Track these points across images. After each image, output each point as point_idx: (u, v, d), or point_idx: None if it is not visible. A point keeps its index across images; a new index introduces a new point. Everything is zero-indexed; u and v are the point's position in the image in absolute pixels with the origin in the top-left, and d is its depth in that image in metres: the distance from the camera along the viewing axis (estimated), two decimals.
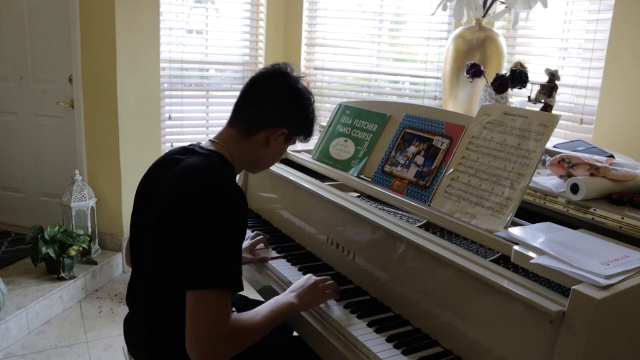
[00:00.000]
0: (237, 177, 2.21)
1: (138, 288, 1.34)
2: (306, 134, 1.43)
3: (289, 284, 1.47)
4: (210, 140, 1.35)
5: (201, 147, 1.32)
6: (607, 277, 0.97)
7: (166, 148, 3.45)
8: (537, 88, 2.11)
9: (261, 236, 1.74)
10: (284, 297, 1.31)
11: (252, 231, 1.87)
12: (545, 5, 2.45)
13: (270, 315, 1.23)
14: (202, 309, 1.08)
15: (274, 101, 1.34)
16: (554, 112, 2.12)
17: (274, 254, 1.68)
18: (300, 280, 1.39)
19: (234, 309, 1.40)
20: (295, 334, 1.50)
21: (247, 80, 1.38)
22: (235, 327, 1.13)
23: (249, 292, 1.85)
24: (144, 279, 1.31)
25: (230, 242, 1.14)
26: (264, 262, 1.64)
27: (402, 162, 1.57)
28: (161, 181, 1.28)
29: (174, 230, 1.17)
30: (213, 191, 1.16)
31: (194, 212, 1.13)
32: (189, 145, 1.34)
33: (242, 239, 1.19)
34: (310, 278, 1.38)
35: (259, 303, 1.62)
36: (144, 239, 1.30)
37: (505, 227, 1.22)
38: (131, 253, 1.37)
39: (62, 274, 2.88)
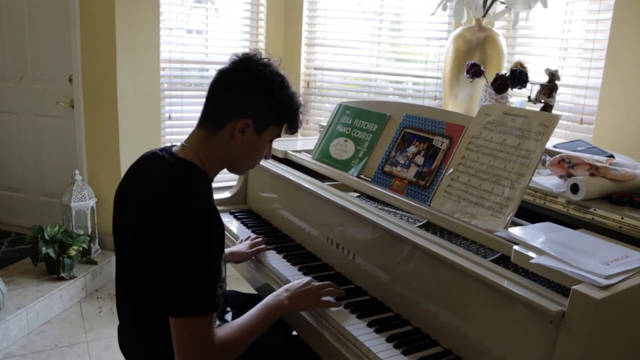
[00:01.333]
0: (239, 178, 2.21)
1: (124, 299, 1.31)
2: (282, 121, 1.29)
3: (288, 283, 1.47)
4: (181, 145, 1.27)
5: (171, 155, 1.24)
6: (607, 277, 0.97)
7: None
8: (537, 88, 2.10)
9: (259, 238, 1.74)
10: (276, 298, 1.30)
11: (254, 232, 1.87)
12: (545, 5, 2.45)
13: (260, 321, 1.23)
14: (186, 334, 1.09)
15: (232, 90, 1.24)
16: (554, 112, 2.12)
17: (273, 254, 1.68)
18: (299, 281, 1.36)
19: (223, 319, 1.39)
20: (294, 333, 1.50)
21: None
22: (221, 344, 1.13)
23: (247, 288, 1.86)
24: (127, 288, 1.28)
25: (205, 267, 1.10)
26: (257, 253, 1.66)
27: (402, 162, 1.57)
28: (133, 195, 1.25)
29: (148, 253, 1.15)
30: (179, 214, 1.10)
31: (163, 237, 1.11)
32: (161, 151, 1.27)
33: (219, 258, 1.14)
34: (308, 282, 1.35)
35: (252, 297, 1.62)
36: (122, 255, 1.28)
37: (505, 227, 1.22)
38: (115, 266, 1.33)
39: (62, 274, 2.88)
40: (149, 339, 1.25)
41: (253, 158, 1.32)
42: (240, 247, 1.71)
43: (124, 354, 1.40)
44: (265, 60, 1.26)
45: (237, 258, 1.67)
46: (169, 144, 1.33)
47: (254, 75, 1.23)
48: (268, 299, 1.30)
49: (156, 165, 1.24)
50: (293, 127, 1.32)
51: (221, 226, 1.15)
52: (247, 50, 1.29)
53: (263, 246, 1.69)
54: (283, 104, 1.26)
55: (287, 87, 1.27)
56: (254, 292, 1.74)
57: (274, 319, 1.26)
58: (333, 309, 1.34)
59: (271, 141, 1.33)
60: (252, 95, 1.24)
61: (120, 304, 1.34)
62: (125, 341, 1.39)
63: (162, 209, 1.12)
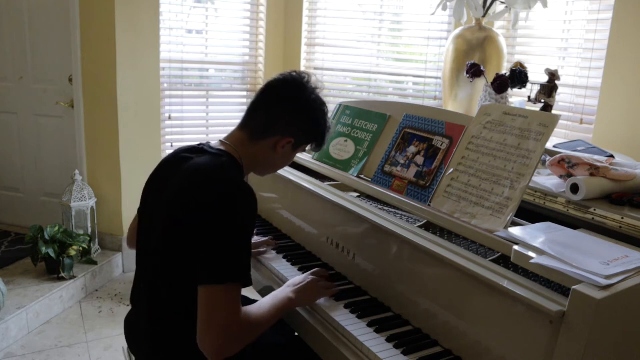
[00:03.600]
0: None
1: (142, 286, 1.35)
2: (317, 144, 1.44)
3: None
4: (220, 141, 1.36)
5: (211, 147, 1.33)
6: (607, 277, 0.97)
7: (166, 148, 3.45)
8: (537, 88, 2.10)
9: (270, 240, 1.75)
10: (283, 292, 1.35)
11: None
12: (545, 5, 2.45)
13: (272, 310, 1.27)
14: (215, 303, 1.12)
15: (285, 110, 1.35)
16: (554, 112, 2.12)
17: (273, 254, 1.68)
18: (299, 277, 1.42)
19: None
20: (295, 333, 1.50)
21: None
22: (246, 320, 1.17)
23: (249, 292, 1.86)
24: (149, 277, 1.32)
25: (239, 238, 1.16)
26: (261, 254, 1.67)
27: (402, 162, 1.57)
28: (170, 179, 1.29)
29: (184, 228, 1.19)
30: (221, 189, 1.18)
31: (203, 210, 1.16)
32: (199, 145, 1.36)
33: (251, 234, 1.22)
34: (309, 276, 1.42)
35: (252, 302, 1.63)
36: (150, 237, 1.31)
37: (505, 227, 1.22)
38: (137, 252, 1.38)
39: (62, 274, 2.88)
40: (162, 329, 1.27)
41: (281, 166, 1.47)
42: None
43: (129, 343, 1.42)
44: (313, 85, 1.39)
45: None
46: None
47: (306, 100, 1.37)
48: (275, 293, 1.34)
49: (197, 154, 1.31)
50: (320, 147, 1.47)
51: (255, 204, 1.22)
52: (296, 71, 1.40)
53: (264, 249, 1.69)
54: (321, 131, 1.42)
55: (327, 113, 1.42)
56: (254, 295, 1.74)
57: (283, 312, 1.31)
58: (334, 309, 1.34)
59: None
60: (303, 120, 1.37)
61: (137, 293, 1.37)
62: (133, 332, 1.40)
63: (207, 188, 1.19)
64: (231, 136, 1.37)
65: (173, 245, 1.22)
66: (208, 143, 1.37)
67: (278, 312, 1.28)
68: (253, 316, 1.20)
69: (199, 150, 1.33)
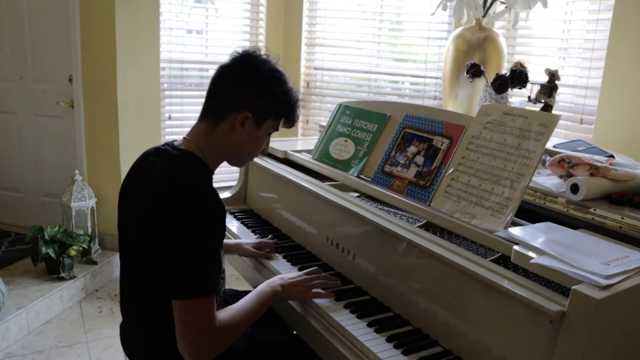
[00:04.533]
0: (239, 174, 2.22)
1: (126, 293, 1.34)
2: (280, 115, 1.34)
3: None
4: (183, 138, 1.32)
5: (174, 147, 1.29)
6: (607, 277, 0.97)
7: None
8: (537, 88, 2.10)
9: (271, 240, 1.74)
10: (269, 285, 1.35)
11: (254, 232, 1.88)
12: (545, 5, 2.45)
13: (254, 307, 1.27)
14: (188, 316, 1.13)
15: (233, 85, 1.29)
16: (554, 112, 2.12)
17: (276, 256, 1.68)
18: (293, 273, 1.43)
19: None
20: (294, 333, 1.50)
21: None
22: (222, 326, 1.17)
23: (245, 286, 1.85)
24: (131, 283, 1.31)
25: (204, 248, 1.14)
26: (267, 258, 1.65)
27: (402, 162, 1.57)
28: (137, 187, 1.28)
29: (151, 240, 1.18)
30: (182, 197, 1.14)
31: (166, 220, 1.14)
32: (163, 146, 1.32)
33: (218, 241, 1.19)
34: (302, 274, 1.42)
35: None
36: (126, 246, 1.31)
37: (505, 227, 1.22)
38: (120, 257, 1.36)
39: (62, 274, 2.88)
40: (150, 334, 1.27)
41: (252, 150, 1.36)
42: (248, 242, 1.73)
43: (125, 350, 1.42)
44: (264, 56, 1.32)
45: (242, 252, 1.69)
46: (171, 139, 1.38)
47: (253, 70, 1.29)
48: (261, 286, 1.34)
49: (160, 157, 1.28)
50: (290, 121, 1.37)
51: (221, 211, 1.19)
52: (246, 48, 1.34)
53: (266, 252, 1.68)
54: (281, 98, 1.31)
55: (285, 82, 1.32)
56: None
57: (267, 305, 1.31)
58: (334, 308, 1.34)
59: (269, 135, 1.38)
60: (252, 89, 1.28)
61: (124, 301, 1.36)
62: (127, 339, 1.41)
63: (166, 195, 1.16)
64: (192, 131, 1.32)
65: (145, 254, 1.21)
66: (172, 142, 1.33)
67: (261, 308, 1.29)
68: (230, 321, 1.20)
69: (162, 152, 1.29)
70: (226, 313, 1.21)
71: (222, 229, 1.22)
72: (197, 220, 1.13)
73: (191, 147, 1.28)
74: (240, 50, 1.33)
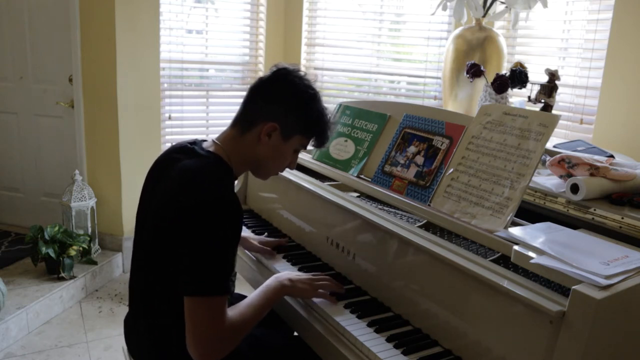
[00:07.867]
0: (238, 178, 2.22)
1: (137, 287, 1.35)
2: (309, 133, 1.35)
3: None
4: (212, 141, 1.35)
5: (202, 148, 1.32)
6: (607, 277, 0.97)
7: (166, 148, 3.45)
8: (537, 88, 2.11)
9: (283, 239, 1.76)
10: (277, 279, 1.35)
11: (254, 232, 1.88)
12: (545, 5, 2.45)
13: (262, 303, 1.28)
14: (199, 314, 1.14)
15: (266, 95, 1.32)
16: (554, 112, 2.12)
17: (279, 257, 1.68)
18: (305, 274, 1.44)
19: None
20: (295, 333, 1.50)
21: (249, 80, 1.39)
22: (231, 326, 1.18)
23: (247, 290, 1.86)
24: (143, 277, 1.32)
25: (222, 248, 1.16)
26: (271, 255, 1.67)
27: (402, 162, 1.57)
28: (160, 182, 1.29)
29: (169, 232, 1.20)
30: (204, 197, 1.16)
31: (185, 217, 1.16)
32: (191, 144, 1.34)
33: (235, 243, 1.20)
34: (313, 274, 1.43)
35: None
36: (143, 238, 1.31)
37: (505, 227, 1.22)
38: (133, 252, 1.38)
39: (62, 274, 2.88)
40: (158, 331, 1.28)
41: (276, 164, 1.37)
42: (254, 237, 1.75)
43: (128, 345, 1.43)
44: (302, 73, 1.34)
45: (246, 245, 1.71)
46: (200, 138, 1.40)
47: (287, 83, 1.32)
48: (269, 281, 1.35)
49: (186, 155, 1.29)
50: (320, 140, 1.38)
51: (240, 215, 1.20)
52: (286, 64, 1.36)
53: (269, 249, 1.68)
54: (312, 115, 1.33)
55: (318, 100, 1.34)
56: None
57: (274, 301, 1.32)
58: (334, 308, 1.34)
59: (297, 152, 1.39)
60: (282, 101, 1.31)
61: (132, 295, 1.37)
62: (132, 333, 1.41)
63: (189, 193, 1.17)
64: (222, 135, 1.35)
65: (161, 248, 1.23)
66: (201, 142, 1.35)
67: (270, 301, 1.30)
68: (239, 320, 1.20)
69: (190, 151, 1.31)
70: (235, 311, 1.22)
71: (239, 232, 1.23)
72: (218, 221, 1.15)
73: (219, 150, 1.31)
74: (280, 64, 1.36)
